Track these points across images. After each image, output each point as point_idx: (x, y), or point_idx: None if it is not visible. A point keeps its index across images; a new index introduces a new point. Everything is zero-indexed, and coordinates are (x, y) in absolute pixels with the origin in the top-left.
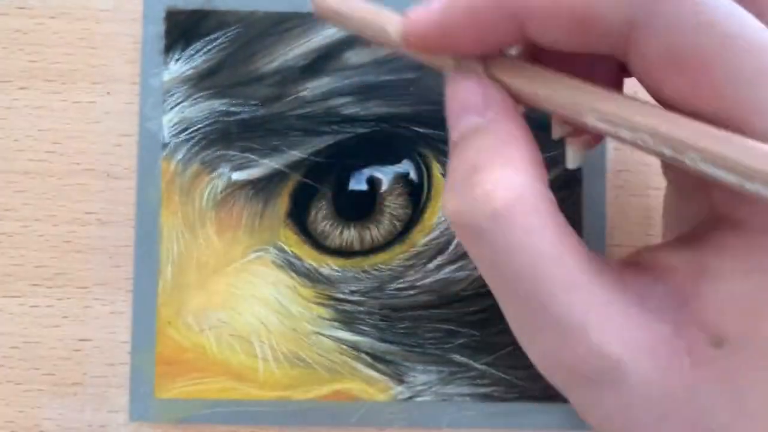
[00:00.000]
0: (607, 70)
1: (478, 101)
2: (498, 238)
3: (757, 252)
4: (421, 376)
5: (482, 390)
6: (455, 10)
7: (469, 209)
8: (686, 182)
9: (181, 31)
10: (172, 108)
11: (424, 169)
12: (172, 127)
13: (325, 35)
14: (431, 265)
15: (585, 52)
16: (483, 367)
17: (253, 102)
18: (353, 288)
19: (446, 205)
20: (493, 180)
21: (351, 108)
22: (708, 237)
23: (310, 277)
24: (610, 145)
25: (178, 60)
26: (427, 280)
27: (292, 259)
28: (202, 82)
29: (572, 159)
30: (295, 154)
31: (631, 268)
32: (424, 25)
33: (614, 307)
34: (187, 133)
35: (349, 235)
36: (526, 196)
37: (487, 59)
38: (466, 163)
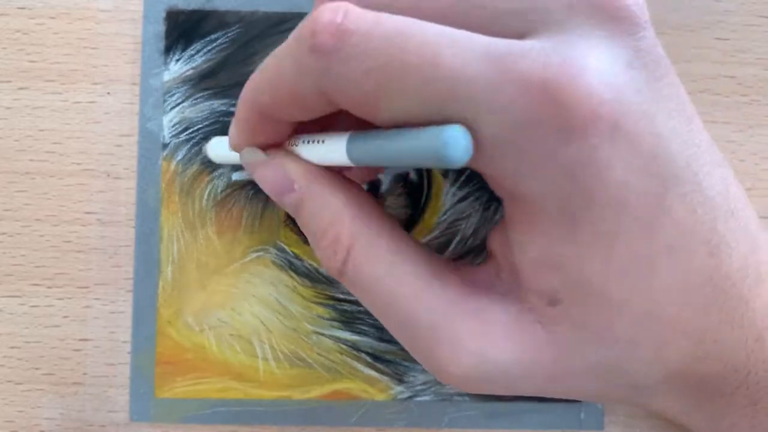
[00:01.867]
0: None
1: (283, 181)
2: (353, 279)
3: (532, 219)
4: (421, 376)
5: None
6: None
7: (330, 265)
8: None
9: (181, 31)
10: (172, 108)
11: (424, 169)
12: (173, 127)
13: None
14: None
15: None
16: None
17: None
18: None
19: (318, 259)
20: (331, 241)
21: None
22: (507, 215)
23: (310, 276)
24: None
25: (178, 60)
26: None
27: (292, 259)
28: (203, 82)
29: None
30: None
31: (485, 259)
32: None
33: (459, 314)
34: (187, 133)
35: None
36: (358, 241)
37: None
38: (310, 232)
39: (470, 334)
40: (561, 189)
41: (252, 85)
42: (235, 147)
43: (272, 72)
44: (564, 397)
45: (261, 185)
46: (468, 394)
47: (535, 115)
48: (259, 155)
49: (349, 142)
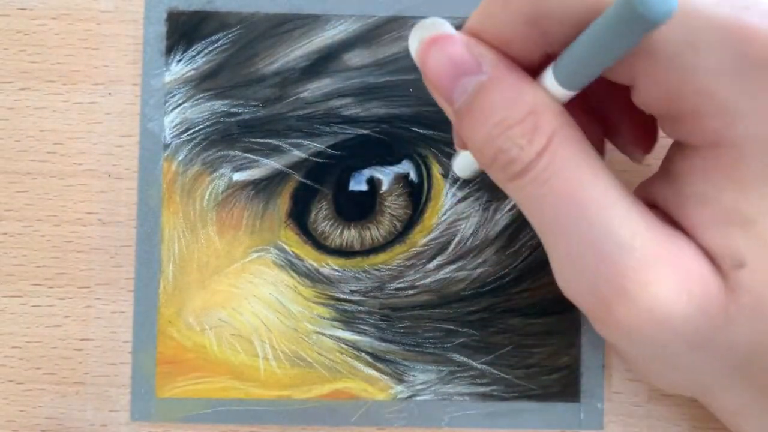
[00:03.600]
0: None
1: (469, 61)
2: (542, 175)
3: (729, 167)
4: (421, 376)
5: (481, 389)
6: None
7: (517, 156)
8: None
9: (182, 32)
10: (173, 109)
11: (424, 169)
12: (174, 127)
13: (325, 36)
14: (431, 265)
15: None
16: (482, 367)
17: (254, 103)
18: (353, 288)
19: (485, 155)
20: (528, 128)
21: (351, 109)
22: (687, 166)
23: (311, 276)
24: (609, 146)
25: (179, 61)
26: (427, 280)
27: (293, 259)
28: (204, 83)
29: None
30: (296, 155)
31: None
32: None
33: (654, 240)
34: (188, 133)
35: (350, 235)
36: (560, 134)
37: None
38: (489, 121)
39: (673, 268)
40: None
41: None
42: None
43: None
44: (677, 384)
45: (429, 67)
46: (468, 394)
47: None
48: (446, 26)
49: (554, 67)
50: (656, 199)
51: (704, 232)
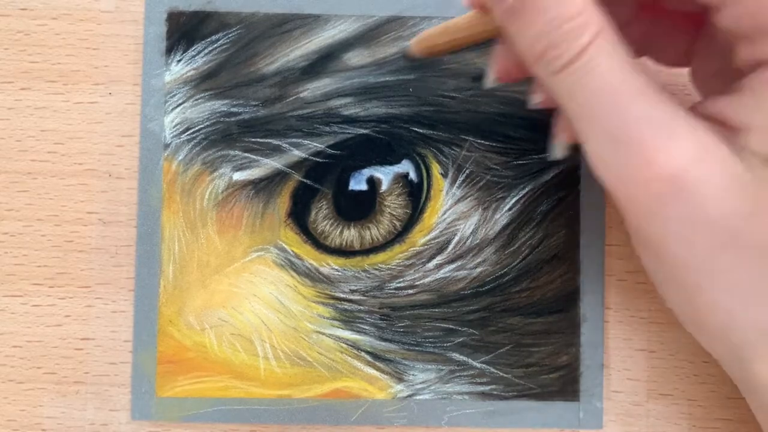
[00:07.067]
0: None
1: None
2: (587, 64)
3: None
4: (421, 375)
5: (481, 388)
6: None
7: (564, 51)
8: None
9: (182, 32)
10: (173, 109)
11: (423, 169)
12: (174, 127)
13: (325, 36)
14: (431, 265)
15: None
16: (482, 366)
17: (254, 103)
18: (353, 287)
19: (535, 49)
20: (578, 24)
21: (351, 109)
22: (740, 84)
23: (311, 276)
24: None
25: (179, 61)
26: (427, 280)
27: (293, 259)
28: (204, 83)
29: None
30: (296, 155)
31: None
32: None
33: (682, 122)
34: (188, 133)
35: (349, 235)
36: (605, 32)
37: None
38: (542, 18)
39: (692, 137)
40: None
41: None
42: None
43: None
44: (701, 285)
45: None
46: (467, 393)
47: None
48: None
49: None
50: (720, 110)
51: (754, 137)
